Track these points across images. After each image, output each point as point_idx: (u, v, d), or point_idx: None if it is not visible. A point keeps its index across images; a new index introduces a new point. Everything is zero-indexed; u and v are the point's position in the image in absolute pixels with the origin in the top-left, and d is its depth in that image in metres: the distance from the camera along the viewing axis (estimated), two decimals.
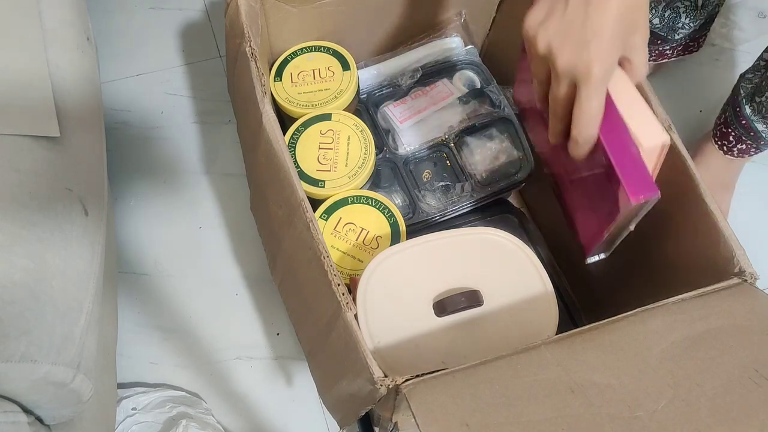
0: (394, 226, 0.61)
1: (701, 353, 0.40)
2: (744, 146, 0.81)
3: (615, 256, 0.66)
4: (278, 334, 0.81)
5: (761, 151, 0.82)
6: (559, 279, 0.74)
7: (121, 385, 0.76)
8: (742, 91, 0.77)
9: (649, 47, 0.87)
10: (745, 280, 0.46)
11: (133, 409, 0.73)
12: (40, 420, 0.49)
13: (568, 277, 0.75)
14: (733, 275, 0.47)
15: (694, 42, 0.89)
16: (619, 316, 0.44)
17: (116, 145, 0.90)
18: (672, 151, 0.53)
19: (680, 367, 0.39)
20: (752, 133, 0.77)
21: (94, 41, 0.68)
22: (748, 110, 0.76)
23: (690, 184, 0.51)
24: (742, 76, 0.77)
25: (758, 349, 0.40)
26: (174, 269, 0.84)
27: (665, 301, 0.45)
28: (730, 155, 0.83)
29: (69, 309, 0.48)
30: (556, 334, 0.47)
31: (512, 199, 0.82)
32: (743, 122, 0.77)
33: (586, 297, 0.73)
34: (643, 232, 0.60)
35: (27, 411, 0.47)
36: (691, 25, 0.81)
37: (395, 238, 0.61)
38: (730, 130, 0.80)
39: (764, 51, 0.74)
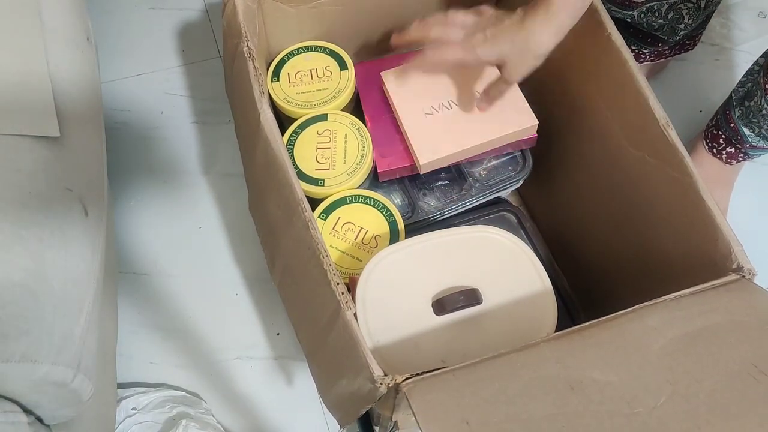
0: (392, 225, 0.61)
1: (700, 349, 0.40)
2: (733, 150, 0.81)
3: (613, 252, 0.66)
4: (278, 334, 0.81)
5: (749, 158, 0.81)
6: (558, 277, 0.74)
7: (121, 385, 0.76)
8: (734, 95, 0.77)
9: (648, 49, 0.87)
10: (743, 276, 0.46)
11: (133, 409, 0.73)
12: (40, 420, 0.49)
13: (567, 275, 0.75)
14: (731, 271, 0.47)
15: (691, 40, 0.89)
16: (618, 313, 0.44)
17: (116, 145, 0.90)
18: (671, 150, 0.53)
19: (679, 364, 0.39)
20: (739, 137, 0.77)
21: (94, 41, 0.68)
22: (737, 113, 0.76)
23: (688, 181, 0.51)
24: (740, 80, 0.78)
25: (757, 345, 0.40)
26: (174, 269, 0.84)
27: (664, 297, 0.45)
28: (719, 158, 0.83)
29: (69, 309, 0.48)
30: (555, 332, 0.47)
31: (510, 198, 0.82)
32: (732, 125, 0.77)
33: (584, 295, 0.73)
34: (641, 228, 0.60)
35: (27, 411, 0.47)
36: (692, 24, 0.82)
37: (394, 238, 0.61)
38: (720, 133, 0.81)
39: (760, 56, 0.74)
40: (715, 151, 0.83)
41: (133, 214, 0.87)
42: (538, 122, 0.65)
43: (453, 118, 0.66)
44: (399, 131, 0.67)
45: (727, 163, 0.83)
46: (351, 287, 0.54)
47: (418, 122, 0.66)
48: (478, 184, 0.70)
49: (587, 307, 0.72)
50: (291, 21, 0.68)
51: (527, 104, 0.66)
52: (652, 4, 0.78)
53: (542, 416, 0.37)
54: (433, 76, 0.68)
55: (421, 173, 0.66)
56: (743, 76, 0.77)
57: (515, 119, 0.65)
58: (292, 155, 0.64)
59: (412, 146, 0.65)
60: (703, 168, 0.84)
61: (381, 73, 0.69)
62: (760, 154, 0.81)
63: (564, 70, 0.65)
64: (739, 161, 0.83)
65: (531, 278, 0.54)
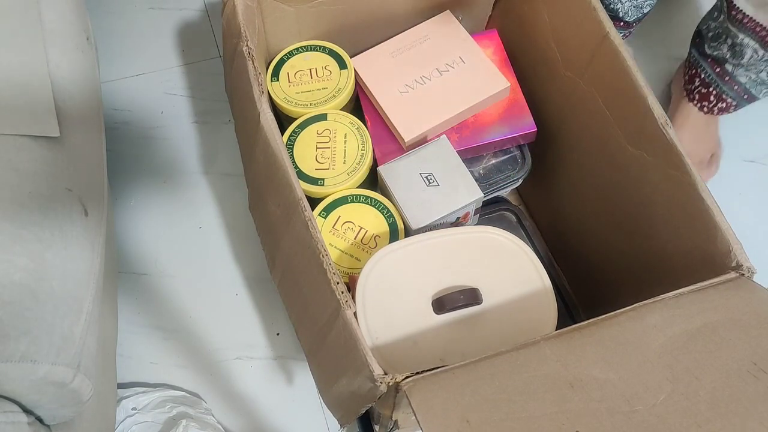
0: (392, 225, 0.61)
1: (699, 347, 0.40)
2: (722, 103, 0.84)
3: (613, 251, 0.66)
4: (278, 334, 0.81)
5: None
6: (558, 276, 0.74)
7: (121, 385, 0.76)
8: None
9: (625, 30, 0.89)
10: (743, 274, 0.46)
11: (133, 409, 0.73)
12: (40, 420, 0.49)
13: (566, 274, 0.75)
14: (731, 269, 0.47)
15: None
16: (618, 311, 0.44)
17: (116, 145, 0.90)
18: (670, 148, 0.53)
19: (679, 362, 0.39)
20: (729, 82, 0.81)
21: (94, 41, 0.68)
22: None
23: (687, 180, 0.51)
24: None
25: (756, 343, 0.40)
26: (174, 269, 0.84)
27: (663, 296, 0.45)
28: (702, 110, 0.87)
29: (69, 309, 0.48)
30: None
31: (509, 197, 0.82)
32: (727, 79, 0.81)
33: (584, 294, 0.73)
34: (640, 227, 0.60)
35: (27, 411, 0.47)
36: (651, 3, 0.83)
37: (393, 237, 0.61)
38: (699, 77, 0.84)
39: None
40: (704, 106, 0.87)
41: (133, 214, 0.87)
42: (509, 84, 0.68)
43: (428, 93, 0.68)
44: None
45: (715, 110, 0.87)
46: (351, 286, 0.54)
47: (395, 102, 0.68)
48: (477, 183, 0.70)
49: (587, 306, 0.72)
50: (290, 20, 0.68)
51: (497, 70, 0.69)
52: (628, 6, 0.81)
53: (542, 414, 0.37)
54: (402, 56, 0.71)
55: (406, 151, 0.66)
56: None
57: (489, 84, 0.68)
58: (292, 155, 0.64)
59: (394, 125, 0.66)
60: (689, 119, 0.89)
61: (352, 60, 0.71)
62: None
63: (562, 70, 0.66)
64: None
65: (531, 277, 0.54)
